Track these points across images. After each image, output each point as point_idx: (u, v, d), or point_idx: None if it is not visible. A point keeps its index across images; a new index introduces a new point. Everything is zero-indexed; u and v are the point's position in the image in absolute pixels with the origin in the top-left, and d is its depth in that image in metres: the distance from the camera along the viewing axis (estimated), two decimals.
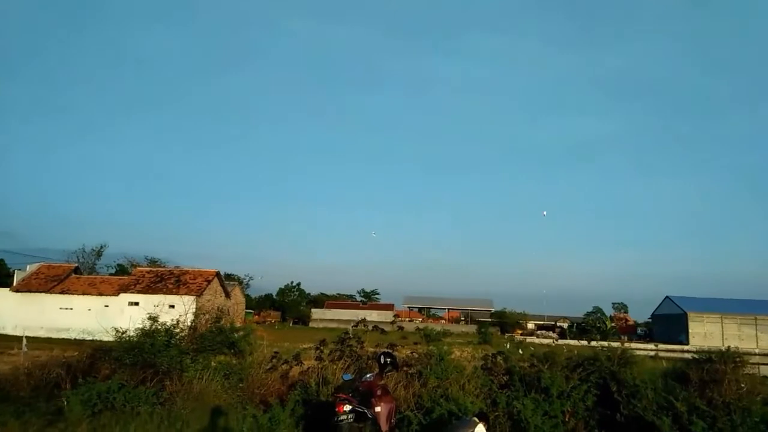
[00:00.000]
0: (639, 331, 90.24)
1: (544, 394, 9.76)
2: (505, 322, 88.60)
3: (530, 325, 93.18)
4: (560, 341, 51.69)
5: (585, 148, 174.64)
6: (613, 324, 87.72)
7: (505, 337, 65.12)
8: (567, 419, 9.77)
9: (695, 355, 11.51)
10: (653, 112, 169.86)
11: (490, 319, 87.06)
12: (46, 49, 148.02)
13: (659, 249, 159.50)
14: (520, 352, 13.09)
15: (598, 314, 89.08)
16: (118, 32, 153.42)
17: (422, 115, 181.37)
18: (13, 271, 50.36)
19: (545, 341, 51.32)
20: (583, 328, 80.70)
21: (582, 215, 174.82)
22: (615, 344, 12.11)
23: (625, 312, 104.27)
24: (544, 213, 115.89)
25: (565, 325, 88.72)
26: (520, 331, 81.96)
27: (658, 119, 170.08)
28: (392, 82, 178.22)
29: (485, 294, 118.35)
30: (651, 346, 53.41)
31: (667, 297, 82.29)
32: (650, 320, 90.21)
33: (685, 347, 50.81)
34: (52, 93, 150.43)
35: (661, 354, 29.90)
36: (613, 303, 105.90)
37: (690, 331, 73.98)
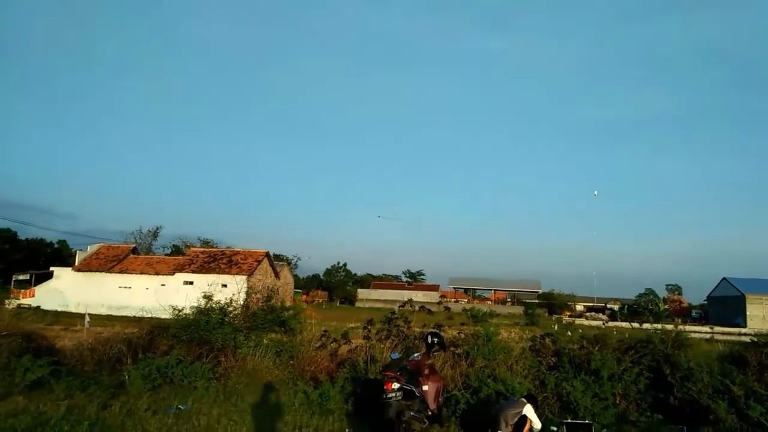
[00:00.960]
0: (693, 313, 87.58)
1: (594, 376, 9.65)
2: (553, 303, 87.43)
3: (579, 307, 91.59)
4: (610, 323, 50.53)
5: (637, 126, 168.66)
6: (666, 306, 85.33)
7: (553, 318, 64.33)
8: (618, 401, 9.64)
9: (754, 338, 11.15)
10: (709, 90, 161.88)
11: (537, 301, 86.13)
12: (118, 41, 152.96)
13: (716, 229, 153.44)
14: (569, 333, 12.88)
15: (651, 296, 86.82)
16: (183, 22, 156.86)
17: (474, 94, 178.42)
18: (75, 251, 52.70)
19: (595, 323, 50.28)
20: (634, 310, 78.77)
21: (634, 195, 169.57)
22: (668, 327, 11.82)
23: (679, 294, 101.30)
24: (595, 193, 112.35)
25: (616, 307, 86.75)
26: (568, 313, 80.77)
27: (712, 97, 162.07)
28: (441, 59, 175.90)
29: (532, 275, 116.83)
30: (706, 328, 51.69)
31: (723, 278, 79.37)
32: (705, 302, 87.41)
33: (743, 330, 48.99)
34: (112, 84, 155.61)
35: (717, 337, 28.82)
36: (666, 284, 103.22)
37: (748, 313, 71.34)
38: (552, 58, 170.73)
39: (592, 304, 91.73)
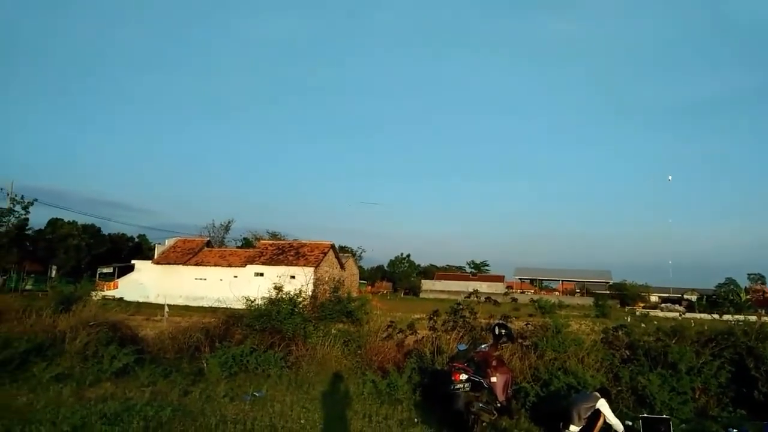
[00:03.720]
0: None
1: (672, 369, 9.30)
2: (625, 294, 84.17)
3: (653, 298, 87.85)
4: (688, 315, 48.20)
5: (714, 107, 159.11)
6: (748, 296, 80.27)
7: (625, 310, 62.05)
8: (697, 396, 9.26)
9: None
10: None
11: (608, 292, 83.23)
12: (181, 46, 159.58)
13: None
14: (643, 325, 12.42)
15: (732, 286, 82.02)
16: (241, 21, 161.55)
17: (537, 77, 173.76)
18: (154, 245, 55.43)
19: (670, 315, 48.11)
20: (713, 300, 74.65)
21: (712, 179, 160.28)
22: (752, 318, 11.18)
23: (762, 283, 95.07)
24: (669, 178, 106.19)
25: (694, 298, 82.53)
26: (641, 304, 77.65)
27: None
28: (496, 42, 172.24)
29: (602, 265, 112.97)
30: None
31: None
32: None
33: None
34: (177, 85, 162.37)
35: None
36: (748, 274, 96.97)
37: None
38: (621, 38, 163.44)
39: (667, 294, 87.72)
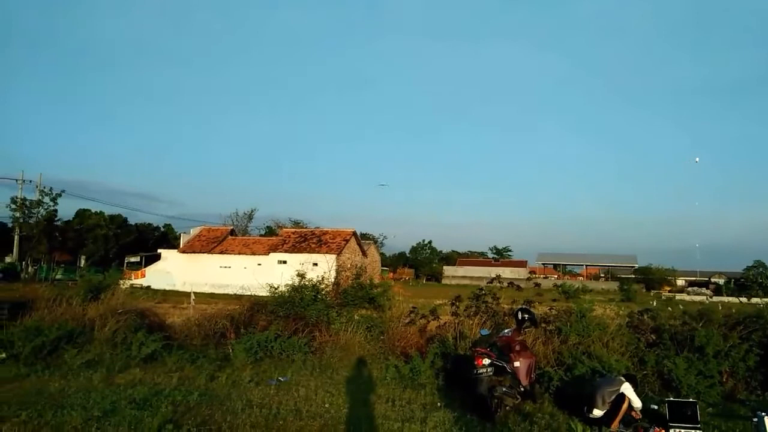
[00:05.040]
0: None
1: (699, 353, 9.16)
2: (651, 278, 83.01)
3: (679, 282, 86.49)
4: (715, 298, 47.41)
5: (741, 86, 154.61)
6: None
7: (651, 294, 61.23)
8: (725, 380, 9.12)
9: None
10: None
11: (633, 276, 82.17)
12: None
13: None
14: (669, 309, 12.23)
15: (760, 269, 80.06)
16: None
17: (558, 63, 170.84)
18: (180, 234, 56.16)
19: (697, 298, 47.38)
20: (742, 283, 73.24)
21: (740, 160, 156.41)
22: None
23: None
24: (696, 159, 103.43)
25: (721, 281, 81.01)
26: (668, 288, 76.56)
27: None
28: (519, 30, 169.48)
29: (627, 249, 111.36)
30: None
31: None
32: None
33: None
34: (198, 81, 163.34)
35: None
36: None
37: None
38: (647, 17, 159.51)
39: (694, 278, 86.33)
